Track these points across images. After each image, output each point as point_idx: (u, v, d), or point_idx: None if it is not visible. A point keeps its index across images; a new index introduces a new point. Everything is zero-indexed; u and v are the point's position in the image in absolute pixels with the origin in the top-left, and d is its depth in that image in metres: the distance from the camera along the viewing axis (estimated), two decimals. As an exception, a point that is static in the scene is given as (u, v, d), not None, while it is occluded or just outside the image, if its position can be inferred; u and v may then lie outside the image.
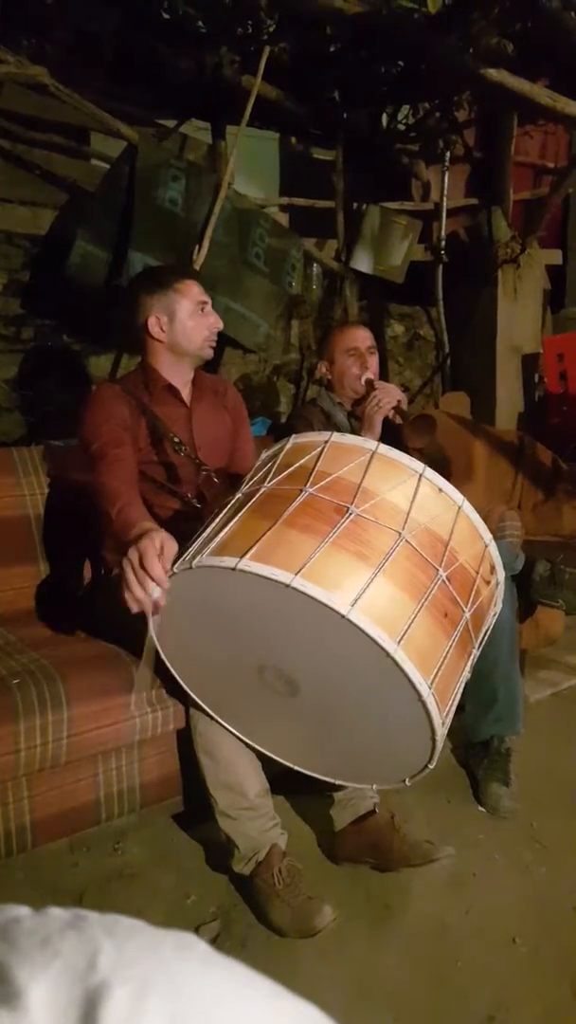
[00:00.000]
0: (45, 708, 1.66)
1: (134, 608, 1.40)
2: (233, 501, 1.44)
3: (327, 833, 1.87)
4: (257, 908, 1.67)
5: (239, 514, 1.36)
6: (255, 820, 1.69)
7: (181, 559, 1.37)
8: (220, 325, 2.01)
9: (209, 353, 2.01)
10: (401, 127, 4.00)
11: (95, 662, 1.82)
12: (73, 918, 0.27)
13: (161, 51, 2.95)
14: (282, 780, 1.74)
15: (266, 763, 1.69)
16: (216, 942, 1.62)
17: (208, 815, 1.73)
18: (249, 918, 1.68)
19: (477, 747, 2.14)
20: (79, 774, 1.76)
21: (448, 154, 3.93)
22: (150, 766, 1.86)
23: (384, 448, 1.39)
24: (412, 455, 1.40)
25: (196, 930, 1.64)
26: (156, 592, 1.36)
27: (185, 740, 1.78)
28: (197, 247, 2.88)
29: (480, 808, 2.05)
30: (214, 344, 2.02)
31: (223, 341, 3.06)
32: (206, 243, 2.88)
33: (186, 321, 1.95)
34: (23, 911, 0.28)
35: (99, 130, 3.02)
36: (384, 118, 3.98)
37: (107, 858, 1.85)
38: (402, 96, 3.80)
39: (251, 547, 1.24)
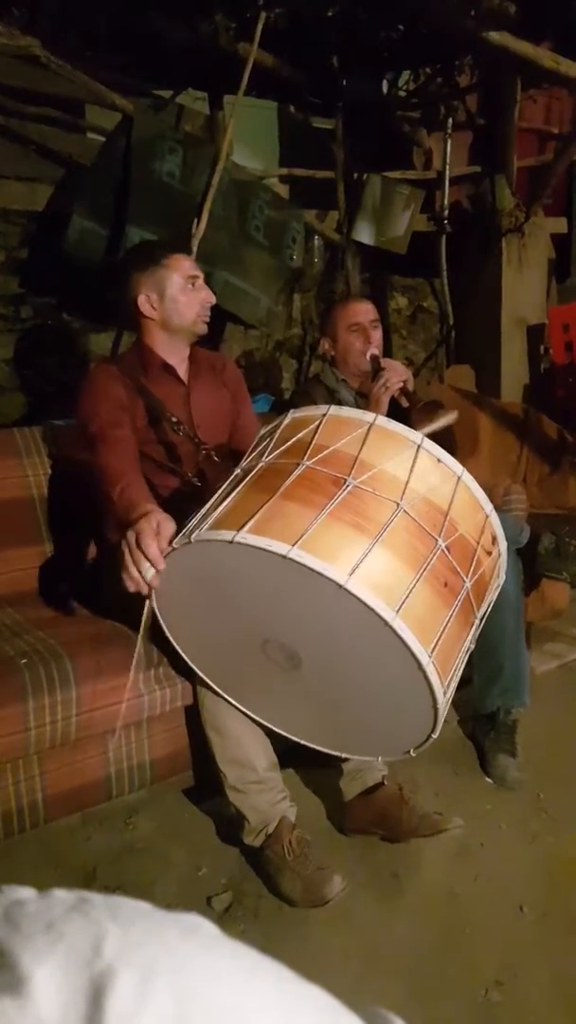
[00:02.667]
0: (54, 687, 1.68)
1: (131, 588, 1.43)
2: (232, 476, 1.44)
3: (336, 805, 1.89)
4: (268, 879, 1.69)
5: (237, 489, 1.36)
6: (264, 793, 1.71)
7: (180, 534, 1.38)
8: (212, 300, 1.99)
9: (203, 329, 1.99)
10: (402, 94, 3.93)
11: (102, 641, 1.84)
12: (78, 901, 0.27)
13: (155, 19, 2.89)
14: (290, 753, 1.76)
15: (274, 737, 1.71)
16: (228, 913, 1.64)
17: (218, 789, 1.75)
18: (260, 889, 1.70)
19: (484, 719, 2.15)
20: (89, 751, 1.78)
21: (450, 121, 3.86)
22: (159, 742, 1.87)
23: (382, 420, 1.38)
24: None
25: (208, 901, 1.67)
26: (150, 573, 1.39)
27: (193, 716, 1.80)
28: (196, 221, 2.85)
29: (487, 779, 2.06)
30: (207, 319, 1.99)
31: (224, 317, 3.04)
32: (205, 216, 2.84)
33: (177, 297, 1.93)
34: (27, 893, 0.28)
35: (94, 102, 2.98)
36: (384, 85, 3.91)
37: (119, 833, 1.87)
38: (403, 61, 3.73)
39: (248, 520, 1.25)
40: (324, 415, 1.41)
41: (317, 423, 1.40)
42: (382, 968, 1.51)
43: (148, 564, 1.39)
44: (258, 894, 1.69)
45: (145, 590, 1.42)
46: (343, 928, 1.60)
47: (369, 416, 1.39)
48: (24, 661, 1.71)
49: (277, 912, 1.64)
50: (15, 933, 0.25)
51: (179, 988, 0.24)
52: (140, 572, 1.40)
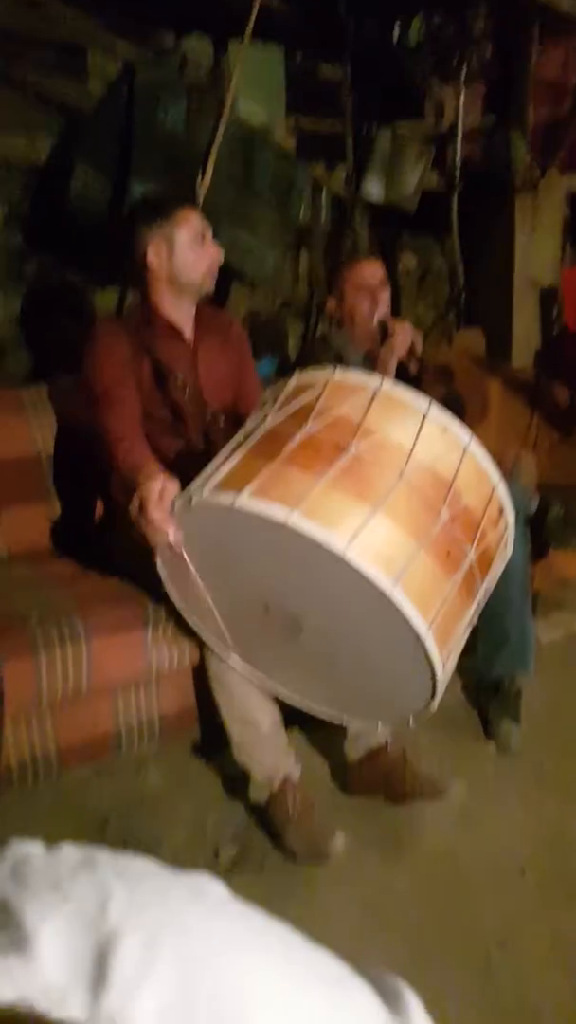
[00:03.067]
0: (65, 642, 1.71)
1: (159, 544, 1.47)
2: (235, 439, 1.43)
3: (340, 766, 1.91)
4: (272, 834, 1.72)
5: (239, 451, 1.35)
6: (269, 752, 1.73)
7: (181, 496, 1.38)
8: (221, 256, 1.94)
9: (210, 286, 1.95)
10: (414, 41, 3.80)
11: (111, 598, 1.87)
12: (85, 859, 0.27)
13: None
14: (296, 714, 1.77)
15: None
16: (234, 865, 1.68)
17: (225, 745, 1.77)
18: (266, 842, 1.73)
19: (488, 686, 2.16)
20: (100, 705, 1.82)
21: (464, 70, 3.74)
22: (168, 698, 1.91)
23: (388, 385, 1.36)
24: None
25: (215, 853, 1.70)
26: (170, 534, 1.41)
27: (201, 674, 1.82)
28: (200, 174, 2.78)
29: (490, 745, 2.08)
30: (215, 277, 1.95)
31: (229, 276, 2.98)
32: (209, 169, 2.77)
33: (186, 252, 1.89)
34: (35, 849, 0.28)
35: (95, 48, 2.89)
36: (395, 31, 3.79)
37: (129, 785, 1.90)
38: (414, 6, 3.61)
39: (248, 484, 1.24)
40: (329, 378, 1.39)
41: (322, 386, 1.38)
42: (383, 925, 1.54)
43: (163, 526, 1.42)
44: (264, 848, 1.72)
45: (177, 548, 1.44)
46: (346, 884, 1.63)
47: (375, 381, 1.37)
48: (35, 617, 1.73)
49: (282, 866, 1.67)
50: (22, 890, 0.25)
51: (184, 953, 0.24)
52: (159, 535, 1.43)
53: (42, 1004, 0.22)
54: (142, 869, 0.27)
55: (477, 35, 3.73)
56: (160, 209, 1.92)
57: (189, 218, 1.91)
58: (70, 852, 0.28)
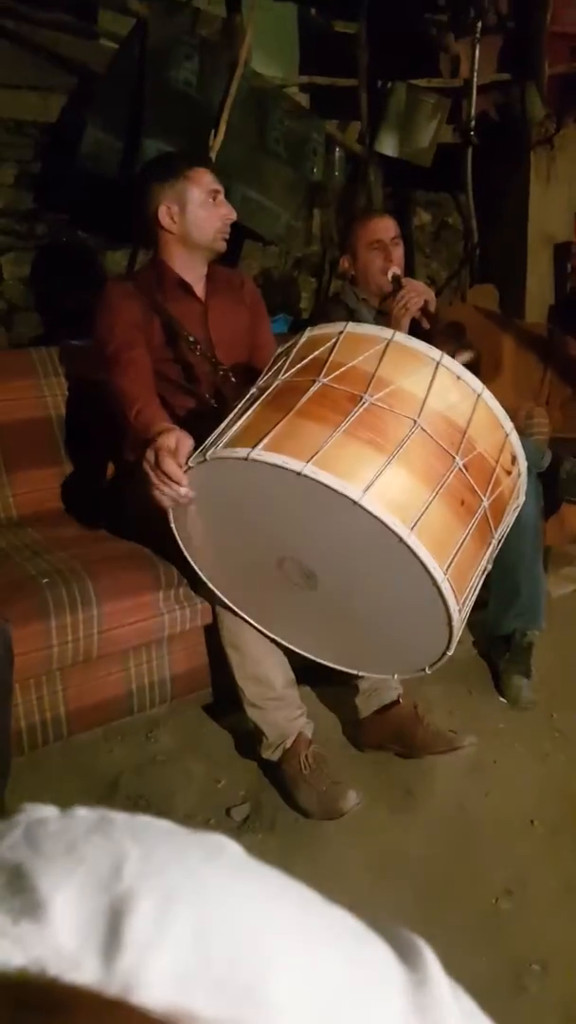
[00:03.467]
0: (75, 606, 1.70)
1: (166, 504, 1.45)
2: (248, 395, 1.43)
3: (351, 722, 1.93)
4: (285, 792, 1.74)
5: (253, 407, 1.35)
6: (282, 710, 1.75)
7: (196, 452, 1.38)
8: (233, 216, 1.93)
9: (222, 246, 1.94)
10: (429, -5, 3.71)
11: (122, 561, 1.86)
12: (99, 820, 0.27)
13: None
14: (307, 671, 1.79)
15: (291, 654, 1.73)
16: (246, 823, 1.70)
17: (236, 706, 1.79)
18: (277, 801, 1.75)
19: (499, 641, 2.17)
20: (111, 668, 1.83)
21: (479, 24, 3.65)
22: (179, 660, 1.91)
23: (401, 336, 1.35)
24: None
25: (227, 812, 1.72)
26: (183, 489, 1.40)
27: (212, 635, 1.83)
28: (213, 132, 2.74)
29: (501, 699, 2.09)
30: (227, 236, 1.94)
31: (242, 233, 2.95)
32: (222, 127, 2.73)
33: (198, 211, 1.88)
34: (49, 812, 0.28)
35: (106, 6, 2.84)
36: (411, -16, 3.70)
37: (140, 746, 1.93)
38: (430, -42, 3.52)
39: (263, 437, 1.24)
40: (341, 332, 1.39)
41: (334, 340, 1.38)
42: (394, 878, 1.56)
43: (176, 481, 1.41)
44: (275, 806, 1.74)
45: (184, 503, 1.43)
46: (357, 840, 1.65)
47: (387, 333, 1.37)
48: (46, 580, 1.73)
49: (293, 824, 1.69)
50: (36, 854, 0.25)
51: (200, 913, 0.24)
52: (171, 489, 1.41)
53: (54, 968, 0.22)
54: (158, 829, 0.27)
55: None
56: (172, 167, 1.90)
57: (202, 176, 1.89)
58: (84, 814, 0.27)
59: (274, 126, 2.95)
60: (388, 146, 3.50)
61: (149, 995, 0.22)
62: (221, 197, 1.91)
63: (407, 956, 0.30)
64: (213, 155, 2.68)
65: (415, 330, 2.13)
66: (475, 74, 3.67)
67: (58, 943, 0.22)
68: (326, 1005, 0.25)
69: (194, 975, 0.23)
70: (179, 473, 1.40)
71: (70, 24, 2.89)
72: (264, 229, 2.99)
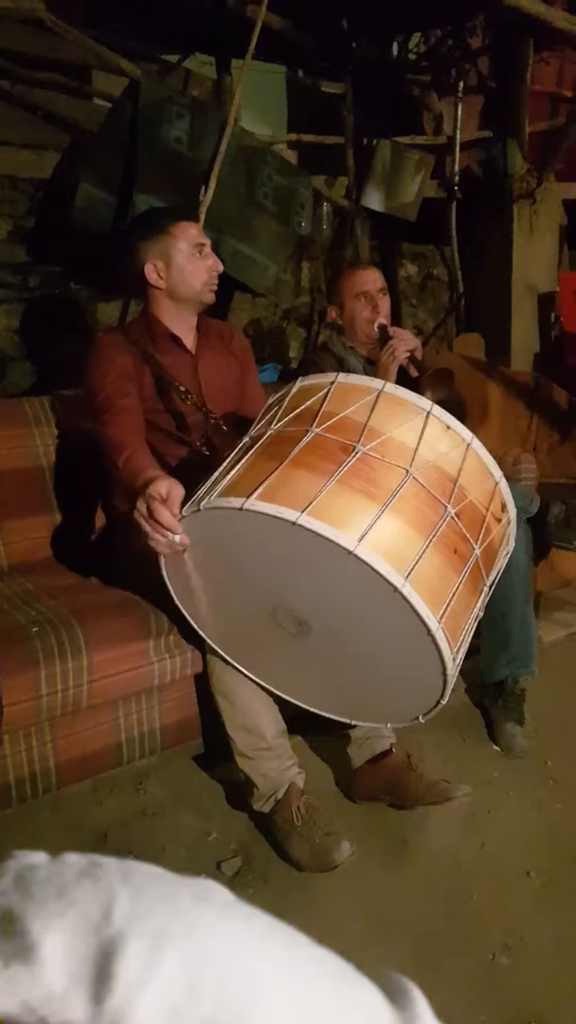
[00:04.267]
0: (65, 655, 1.69)
1: (164, 551, 1.45)
2: (240, 445, 1.44)
3: (344, 772, 1.91)
4: (277, 844, 1.71)
5: (246, 456, 1.36)
6: (273, 760, 1.72)
7: (190, 502, 1.38)
8: (220, 267, 1.96)
9: (210, 298, 1.97)
10: (412, 56, 3.85)
11: (112, 609, 1.85)
12: (89, 866, 0.27)
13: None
14: (299, 720, 1.77)
15: (283, 703, 1.72)
16: (238, 877, 1.67)
17: (227, 756, 1.76)
18: (269, 854, 1.72)
19: (492, 687, 2.16)
20: (100, 718, 1.80)
21: (461, 84, 3.78)
22: (169, 709, 1.89)
23: (391, 387, 1.38)
24: None
25: (218, 866, 1.69)
26: (176, 537, 1.40)
27: (202, 684, 1.81)
28: (203, 187, 2.81)
29: (495, 747, 2.08)
30: (215, 288, 1.97)
31: (232, 285, 3.01)
32: (212, 183, 2.80)
33: (184, 265, 1.91)
34: (39, 858, 0.28)
35: (100, 68, 2.93)
36: (395, 47, 3.83)
37: (130, 798, 1.90)
38: (413, 23, 3.65)
39: (257, 487, 1.25)
40: (333, 382, 1.41)
41: (326, 390, 1.40)
42: (389, 932, 1.53)
43: (169, 530, 1.40)
44: (267, 859, 1.71)
45: (180, 550, 1.42)
46: (351, 893, 1.62)
47: (378, 383, 1.39)
48: (36, 629, 1.72)
49: (286, 877, 1.66)
50: (27, 899, 0.25)
51: (190, 954, 0.24)
52: (166, 538, 1.41)
53: (44, 1010, 0.22)
54: (147, 874, 0.28)
55: (473, 50, 3.78)
56: (156, 224, 1.93)
57: (186, 231, 1.92)
58: (74, 860, 0.28)
59: (263, 182, 3.03)
60: (374, 201, 3.59)
61: None
62: (207, 249, 1.94)
63: (396, 997, 0.30)
64: (203, 210, 2.75)
65: (402, 378, 2.16)
66: (458, 131, 3.79)
67: (48, 985, 0.22)
68: None
69: (183, 1012, 0.22)
70: (172, 521, 1.39)
71: (65, 84, 2.98)
72: (253, 281, 3.05)
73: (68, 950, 0.23)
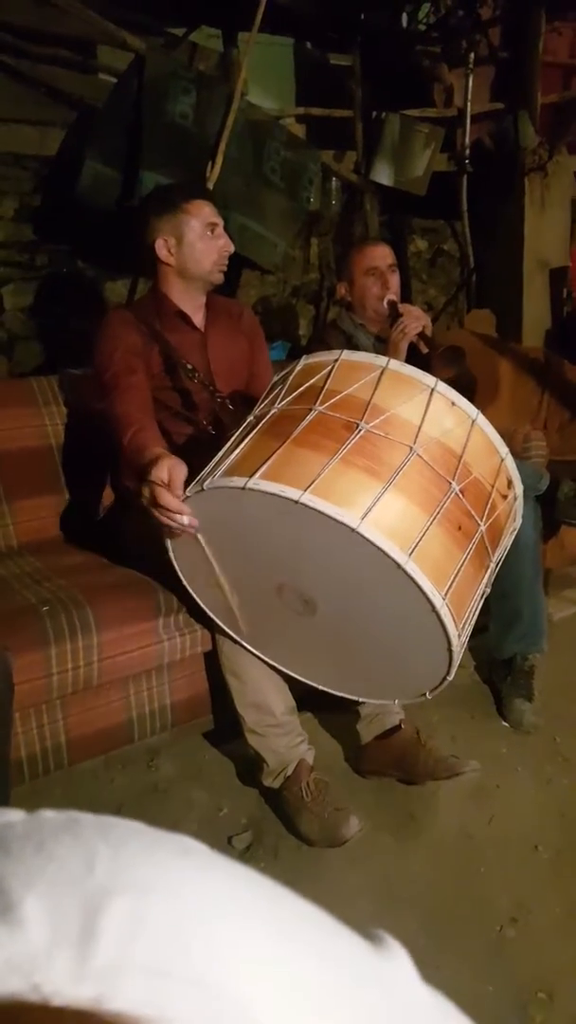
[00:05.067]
0: (75, 634, 1.70)
1: (177, 534, 1.45)
2: (245, 424, 1.44)
3: (353, 748, 1.92)
4: (286, 820, 1.72)
5: (250, 436, 1.36)
6: (282, 737, 1.74)
7: (194, 482, 1.39)
8: (231, 248, 1.94)
9: (219, 278, 1.96)
10: (422, 27, 3.78)
11: (122, 588, 1.86)
12: (68, 821, 0.27)
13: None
14: (308, 697, 1.78)
15: (292, 680, 1.73)
16: (248, 851, 1.69)
17: (237, 732, 1.78)
18: (280, 829, 1.74)
19: (501, 664, 2.16)
20: (111, 696, 1.82)
21: (472, 55, 3.71)
22: (180, 687, 1.91)
23: (395, 364, 1.37)
24: None
25: (229, 841, 1.71)
26: (185, 519, 1.39)
27: (212, 661, 1.82)
28: (210, 163, 2.78)
29: (504, 723, 2.08)
30: (224, 268, 1.95)
31: (240, 262, 2.99)
32: (219, 159, 2.78)
33: (195, 243, 1.89)
34: (16, 815, 0.28)
35: (105, 42, 2.90)
36: (404, 18, 3.77)
37: (141, 774, 1.92)
38: (422, -7, 3.59)
39: (260, 466, 1.25)
40: (336, 360, 1.40)
41: (329, 368, 1.39)
42: (398, 905, 1.54)
43: (178, 511, 1.40)
44: (277, 834, 1.73)
45: (190, 531, 1.42)
46: (360, 867, 1.63)
47: (382, 360, 1.38)
48: (46, 608, 1.74)
49: (296, 851, 1.68)
50: (4, 856, 0.25)
51: (175, 909, 0.24)
52: (174, 520, 1.40)
53: (28, 968, 0.22)
54: (127, 828, 0.27)
55: (484, 21, 3.71)
56: (170, 200, 1.92)
57: (200, 209, 1.91)
58: (52, 816, 0.27)
59: (271, 157, 2.99)
60: (383, 175, 3.55)
61: (125, 991, 0.22)
62: (219, 229, 1.93)
63: (379, 949, 0.30)
64: (211, 186, 2.72)
65: (412, 355, 2.14)
66: (468, 104, 3.73)
67: (32, 943, 0.22)
68: (302, 997, 0.25)
69: (171, 971, 0.23)
70: (178, 504, 1.39)
71: (69, 59, 2.95)
72: (262, 258, 3.03)
73: (50, 907, 0.23)
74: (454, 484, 1.29)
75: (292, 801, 1.70)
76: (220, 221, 1.94)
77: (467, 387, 1.44)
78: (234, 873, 0.28)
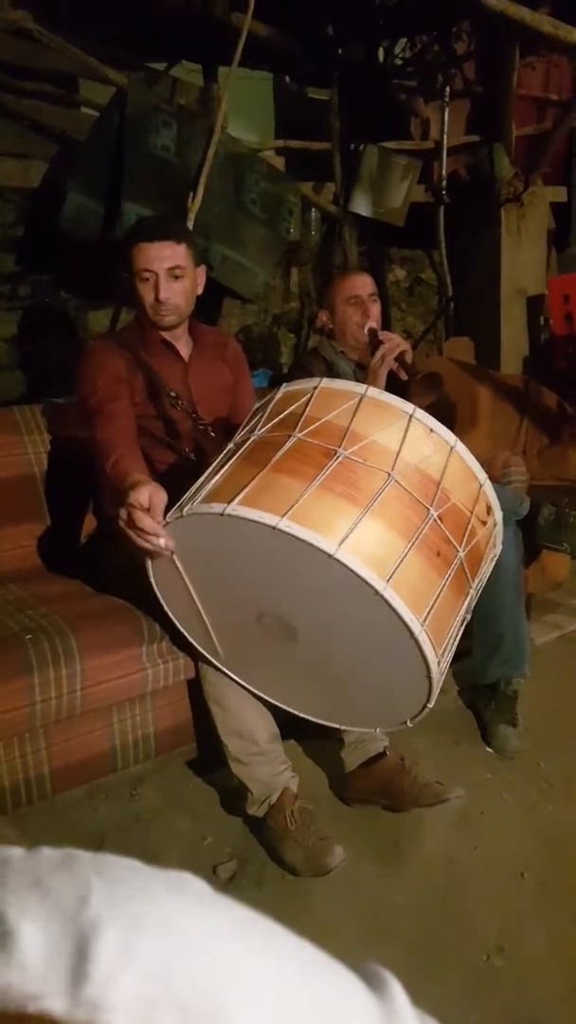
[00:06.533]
0: (58, 662, 1.69)
1: (152, 556, 1.46)
2: (225, 451, 1.45)
3: (337, 775, 1.91)
4: (271, 849, 1.71)
5: (230, 462, 1.37)
6: (266, 765, 1.73)
7: (174, 508, 1.39)
8: (169, 300, 1.88)
9: (165, 322, 1.93)
10: (399, 62, 3.87)
11: (104, 616, 1.85)
12: (64, 858, 0.28)
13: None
14: (292, 725, 1.77)
15: (275, 708, 1.72)
16: (232, 881, 1.67)
17: (221, 761, 1.77)
18: (264, 858, 1.72)
19: (484, 690, 2.17)
20: (94, 724, 1.80)
21: (448, 89, 3.80)
22: (163, 715, 1.90)
23: (374, 391, 1.38)
24: None
25: (213, 870, 1.69)
26: (161, 541, 1.40)
27: (195, 689, 1.82)
28: (192, 195, 2.82)
29: (488, 749, 2.08)
30: (166, 316, 1.91)
31: (222, 292, 3.02)
32: (200, 190, 2.82)
33: (136, 286, 1.88)
34: (14, 851, 0.29)
35: (87, 77, 2.94)
36: (381, 53, 3.86)
37: (125, 804, 1.90)
38: (399, 29, 3.68)
39: (239, 492, 1.26)
40: (316, 387, 1.41)
41: (309, 396, 1.40)
42: (384, 935, 1.53)
43: (154, 534, 1.40)
44: (262, 863, 1.71)
45: (166, 554, 1.42)
46: (345, 896, 1.62)
47: (360, 387, 1.39)
48: (29, 636, 1.73)
49: (280, 881, 1.66)
50: (2, 888, 0.26)
51: (166, 942, 0.24)
52: (151, 544, 1.41)
53: (21, 995, 0.22)
54: (122, 865, 0.28)
55: (460, 55, 3.80)
56: (127, 240, 1.92)
57: (140, 254, 1.85)
58: (49, 852, 0.28)
59: (251, 188, 3.04)
60: (362, 206, 3.61)
61: (116, 1018, 0.22)
62: (160, 278, 1.86)
63: (374, 985, 0.30)
64: (192, 216, 2.76)
65: (392, 382, 2.16)
66: (445, 136, 3.81)
67: (26, 969, 0.23)
68: None
69: (159, 1000, 0.23)
70: (155, 527, 1.39)
71: (52, 94, 2.99)
72: (243, 288, 3.06)
73: (45, 937, 0.23)
74: (432, 510, 1.30)
75: (276, 830, 1.69)
76: (159, 271, 1.85)
77: (446, 414, 1.46)
78: (229, 908, 0.29)
